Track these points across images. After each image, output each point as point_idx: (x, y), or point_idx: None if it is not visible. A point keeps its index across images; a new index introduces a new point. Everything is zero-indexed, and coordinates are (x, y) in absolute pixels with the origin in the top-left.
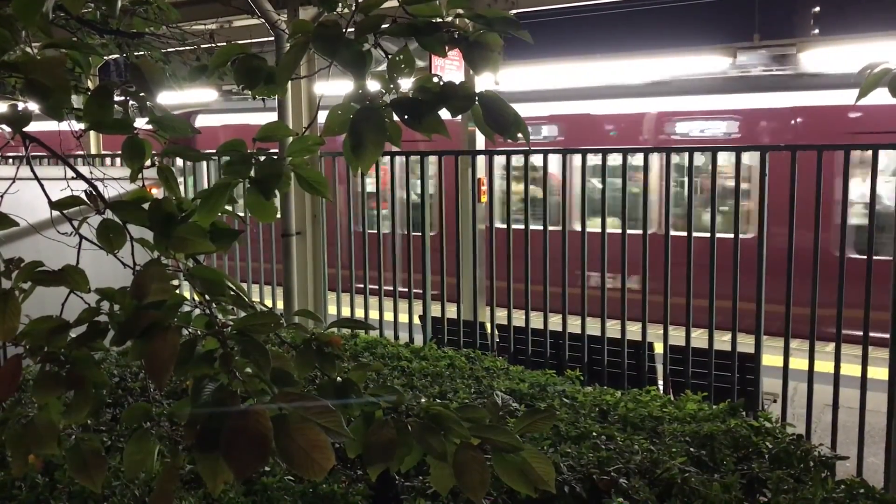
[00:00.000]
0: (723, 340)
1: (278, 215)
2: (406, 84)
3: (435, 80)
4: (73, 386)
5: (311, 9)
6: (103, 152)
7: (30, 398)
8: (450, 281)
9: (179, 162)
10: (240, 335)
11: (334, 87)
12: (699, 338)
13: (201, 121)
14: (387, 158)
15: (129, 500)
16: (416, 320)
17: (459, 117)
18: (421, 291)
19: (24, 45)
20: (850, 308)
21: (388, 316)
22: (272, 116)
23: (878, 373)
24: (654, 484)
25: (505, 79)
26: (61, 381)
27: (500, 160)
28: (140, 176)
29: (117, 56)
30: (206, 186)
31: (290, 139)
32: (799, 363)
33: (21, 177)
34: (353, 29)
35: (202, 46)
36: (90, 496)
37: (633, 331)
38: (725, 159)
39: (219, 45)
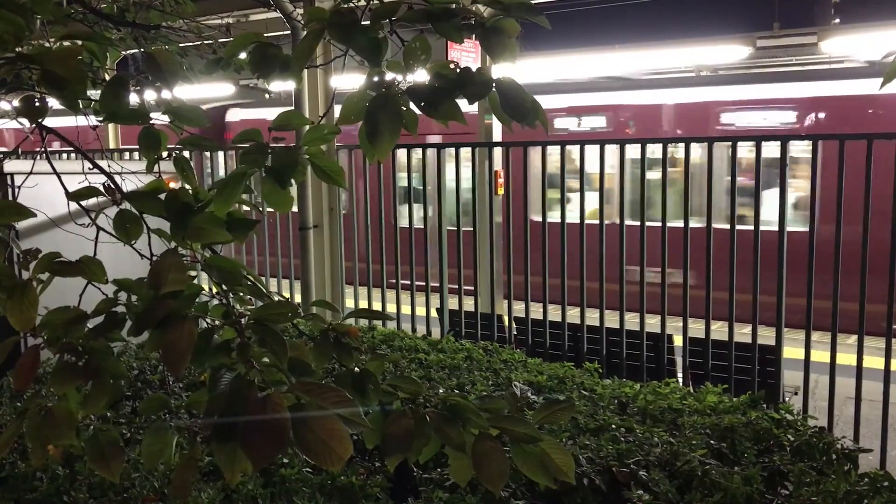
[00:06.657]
0: (743, 333)
1: (295, 208)
2: (422, 72)
3: (451, 66)
4: (90, 377)
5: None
6: (121, 147)
7: (48, 389)
8: (466, 273)
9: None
10: (257, 325)
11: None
12: (719, 330)
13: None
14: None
15: (148, 491)
16: (434, 313)
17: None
18: (438, 284)
19: (41, 38)
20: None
21: (406, 309)
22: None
23: None
24: (674, 476)
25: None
26: (79, 371)
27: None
28: (158, 169)
29: (135, 51)
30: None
31: (306, 128)
32: (820, 355)
33: (39, 171)
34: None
35: (219, 40)
36: (110, 487)
37: (652, 323)
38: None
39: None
